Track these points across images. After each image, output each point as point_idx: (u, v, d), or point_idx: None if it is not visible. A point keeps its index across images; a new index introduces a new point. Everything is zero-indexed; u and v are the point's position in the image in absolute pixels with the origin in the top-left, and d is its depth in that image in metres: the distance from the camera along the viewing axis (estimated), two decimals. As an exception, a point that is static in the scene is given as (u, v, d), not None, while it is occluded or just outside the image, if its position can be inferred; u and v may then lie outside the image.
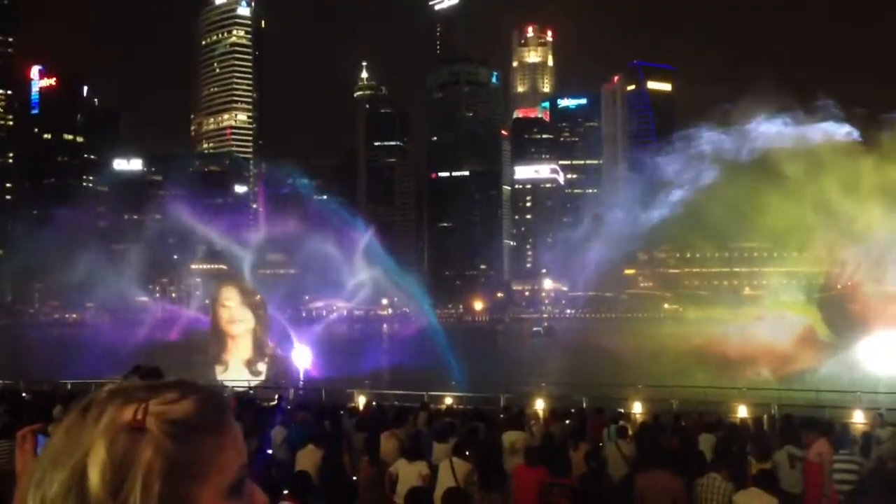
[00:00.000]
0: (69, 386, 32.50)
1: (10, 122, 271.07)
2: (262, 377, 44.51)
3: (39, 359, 50.19)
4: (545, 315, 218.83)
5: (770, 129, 55.98)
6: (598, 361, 55.50)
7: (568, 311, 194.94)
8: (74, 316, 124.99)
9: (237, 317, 45.25)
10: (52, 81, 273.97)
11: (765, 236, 57.18)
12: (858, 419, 24.42)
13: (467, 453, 12.31)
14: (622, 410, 23.42)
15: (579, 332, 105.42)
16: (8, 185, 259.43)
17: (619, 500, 10.73)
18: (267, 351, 46.83)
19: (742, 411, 26.19)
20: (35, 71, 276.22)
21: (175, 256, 73.73)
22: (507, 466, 13.55)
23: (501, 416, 20.92)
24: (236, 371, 43.79)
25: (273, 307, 58.57)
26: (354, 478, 12.94)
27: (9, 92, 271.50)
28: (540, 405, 26.92)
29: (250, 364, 44.92)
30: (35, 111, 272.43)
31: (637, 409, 26.83)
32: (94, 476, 1.21)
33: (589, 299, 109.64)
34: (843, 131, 54.17)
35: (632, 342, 63.90)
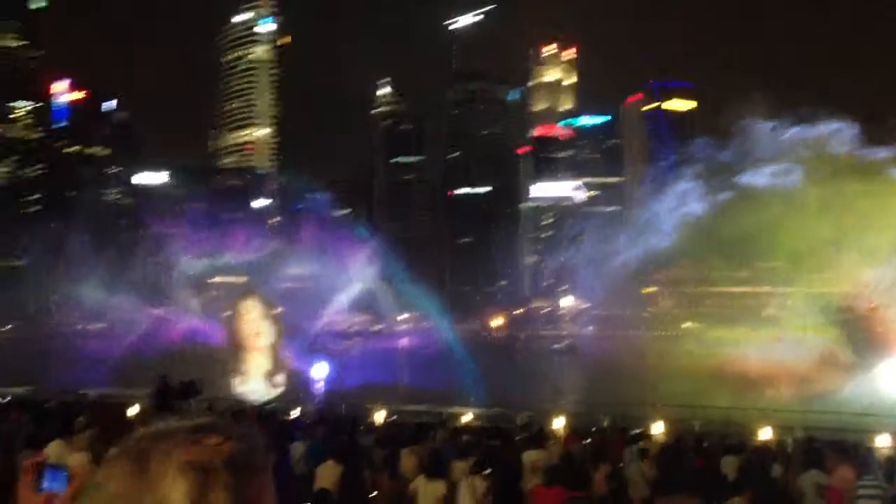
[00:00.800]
0: (90, 396, 32.73)
1: (36, 136, 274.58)
2: (281, 389, 44.68)
3: (61, 368, 50.55)
4: (564, 332, 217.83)
5: (790, 146, 55.73)
6: (618, 380, 55.19)
7: (587, 328, 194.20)
8: (95, 327, 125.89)
9: (258, 330, 45.46)
10: (79, 95, 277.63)
11: (785, 256, 56.67)
12: (882, 443, 24.08)
13: (486, 472, 12.27)
14: (642, 431, 23.20)
15: (600, 350, 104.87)
16: (33, 197, 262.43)
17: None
18: (286, 363, 47.03)
19: (765, 433, 25.89)
20: (62, 85, 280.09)
21: (196, 270, 74.20)
22: (526, 486, 13.49)
23: (517, 436, 20.79)
24: (254, 383, 44.01)
25: (291, 320, 58.81)
26: (373, 494, 12.92)
27: (36, 105, 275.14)
28: (559, 423, 26.75)
29: (269, 376, 45.10)
30: (61, 124, 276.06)
31: (658, 429, 26.58)
32: None
33: (608, 317, 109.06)
34: (866, 151, 53.82)
35: (652, 361, 63.47)
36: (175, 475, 1.33)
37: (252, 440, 1.46)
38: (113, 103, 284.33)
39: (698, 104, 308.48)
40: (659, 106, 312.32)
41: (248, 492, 1.37)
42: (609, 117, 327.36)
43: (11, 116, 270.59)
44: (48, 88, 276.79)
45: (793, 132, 57.54)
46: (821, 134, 56.09)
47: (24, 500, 2.06)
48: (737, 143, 59.65)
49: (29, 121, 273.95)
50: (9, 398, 27.69)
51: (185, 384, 22.90)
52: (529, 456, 14.96)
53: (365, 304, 72.26)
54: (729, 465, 15.26)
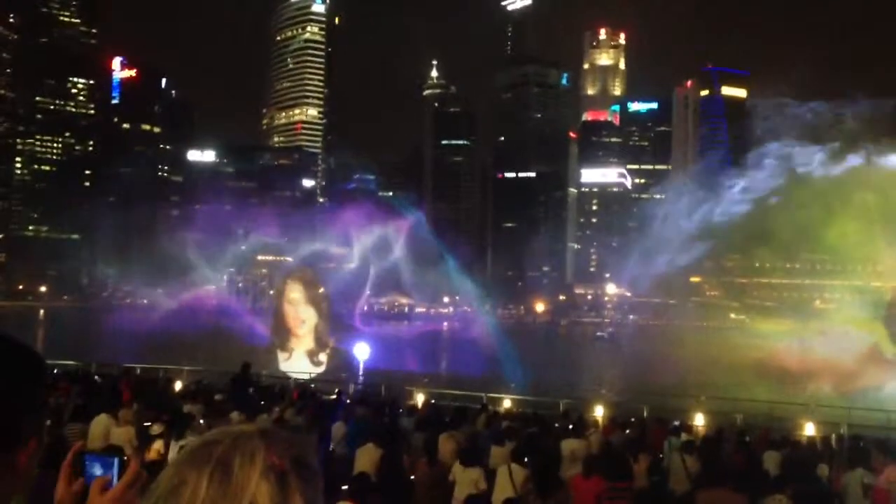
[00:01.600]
0: (138, 370, 33.41)
1: (91, 112, 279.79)
2: (323, 367, 45.67)
3: (110, 342, 51.68)
4: (607, 320, 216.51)
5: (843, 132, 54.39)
6: (660, 370, 54.69)
7: (630, 316, 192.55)
8: (146, 301, 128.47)
9: (301, 315, 46.67)
10: (133, 73, 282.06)
11: (834, 249, 55.42)
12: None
13: (525, 459, 12.24)
14: (680, 423, 22.94)
15: (643, 339, 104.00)
16: (87, 172, 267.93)
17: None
18: (328, 343, 47.89)
19: (809, 429, 25.47)
20: (116, 62, 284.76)
21: (243, 247, 75.12)
22: (565, 475, 13.43)
23: (556, 424, 20.73)
24: (298, 360, 45.19)
25: (335, 301, 59.22)
26: (412, 478, 12.99)
27: (91, 82, 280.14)
28: (599, 412, 26.63)
29: (312, 355, 46.18)
30: (115, 101, 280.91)
31: (699, 421, 26.30)
32: None
33: (653, 306, 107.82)
34: None
35: (696, 351, 62.74)
36: (259, 480, 1.38)
37: (308, 441, 1.57)
38: (163, 81, 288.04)
39: (751, 91, 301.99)
40: (717, 92, 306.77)
41: (313, 495, 1.44)
42: (656, 104, 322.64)
43: (67, 93, 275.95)
44: (104, 66, 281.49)
45: (845, 117, 56.10)
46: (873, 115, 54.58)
47: (62, 485, 2.03)
48: (788, 129, 58.40)
49: (83, 98, 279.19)
50: (57, 371, 28.35)
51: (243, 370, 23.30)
52: (569, 444, 14.89)
53: (409, 285, 72.48)
54: (771, 461, 15.02)
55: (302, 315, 46.70)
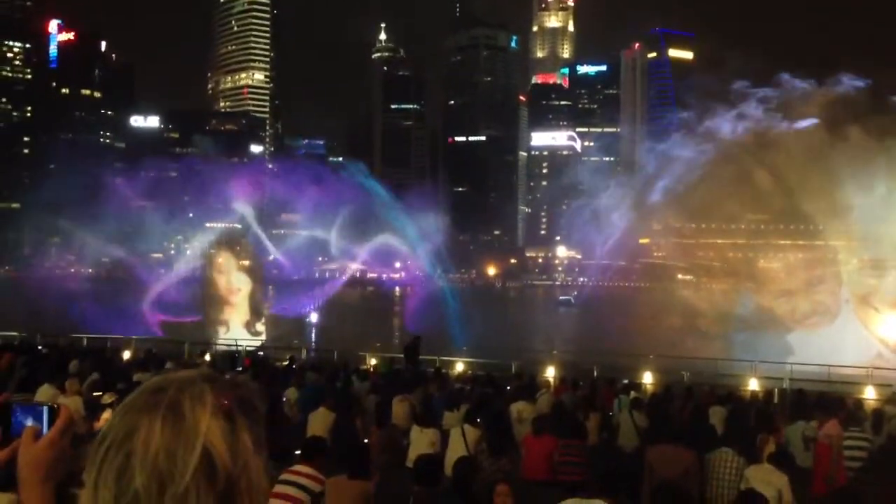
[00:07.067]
0: (84, 341, 32.84)
1: (28, 77, 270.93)
2: (262, 337, 44.76)
3: (53, 312, 50.53)
4: (558, 283, 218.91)
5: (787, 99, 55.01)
6: (610, 330, 55.57)
7: (581, 279, 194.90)
8: (89, 271, 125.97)
9: (234, 285, 45.14)
10: (71, 36, 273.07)
11: (776, 210, 56.53)
12: (870, 395, 24.40)
13: (478, 420, 12.38)
14: (629, 381, 23.40)
15: (594, 301, 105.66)
16: (25, 139, 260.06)
17: (632, 471, 10.75)
18: (263, 311, 47.00)
19: (753, 384, 26.20)
20: (53, 25, 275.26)
21: (190, 214, 73.81)
22: (517, 435, 13.63)
23: (508, 387, 20.98)
24: (235, 331, 43.79)
25: (286, 268, 58.67)
26: (366, 441, 13.05)
27: (27, 46, 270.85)
28: (551, 373, 26.99)
29: (248, 326, 45.03)
30: (53, 66, 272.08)
31: (648, 379, 26.86)
32: (221, 451, 1.42)
33: (602, 267, 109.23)
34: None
35: (644, 311, 63.84)
36: (210, 421, 1.43)
37: (251, 385, 1.62)
38: (103, 44, 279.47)
39: (697, 53, 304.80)
40: (664, 54, 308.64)
41: (259, 432, 1.50)
42: (605, 66, 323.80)
43: (2, 57, 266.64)
44: (45, 29, 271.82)
45: (793, 83, 56.75)
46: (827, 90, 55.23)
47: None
48: (732, 98, 58.98)
49: (19, 62, 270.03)
50: (0, 342, 27.73)
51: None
52: (517, 406, 15.11)
53: (361, 250, 72.19)
54: (716, 416, 15.41)
55: (234, 283, 45.33)
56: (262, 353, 34.68)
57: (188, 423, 1.41)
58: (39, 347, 27.20)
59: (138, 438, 1.40)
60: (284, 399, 16.41)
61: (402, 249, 76.43)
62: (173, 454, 1.38)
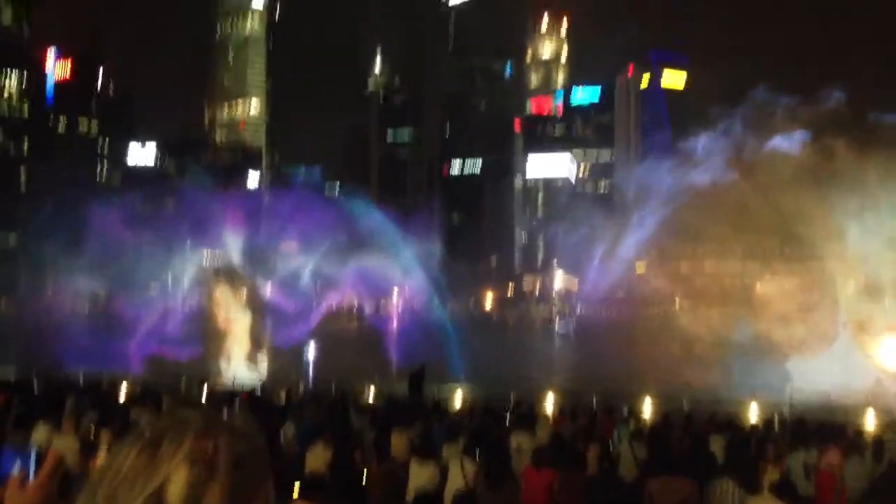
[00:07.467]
0: (80, 377, 32.64)
1: (26, 107, 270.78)
2: (264, 371, 44.54)
3: (50, 349, 50.17)
4: (557, 313, 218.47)
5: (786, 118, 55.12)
6: (608, 359, 55.39)
7: (578, 307, 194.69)
8: (86, 306, 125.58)
9: (233, 315, 45.09)
10: (68, 64, 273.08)
11: (777, 232, 56.49)
12: (870, 422, 24.32)
13: (477, 451, 12.31)
14: (630, 409, 23.30)
15: (591, 329, 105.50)
16: (21, 170, 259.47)
17: (632, 502, 10.69)
18: (264, 343, 46.85)
19: (753, 411, 26.11)
20: (51, 52, 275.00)
21: (187, 247, 73.48)
22: (516, 468, 13.54)
23: (507, 414, 20.89)
24: (236, 365, 43.57)
25: (284, 298, 58.46)
26: (365, 476, 12.95)
27: (24, 75, 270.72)
28: (550, 402, 26.90)
29: (251, 358, 44.91)
30: (50, 95, 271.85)
31: (647, 405, 26.74)
32: (175, 494, 1.46)
33: (600, 295, 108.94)
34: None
35: (641, 339, 63.70)
36: (180, 462, 1.50)
37: (256, 442, 1.63)
38: (100, 71, 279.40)
39: (691, 75, 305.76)
40: (656, 80, 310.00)
41: (243, 492, 1.52)
42: (599, 90, 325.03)
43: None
44: (42, 57, 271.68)
45: (789, 103, 56.80)
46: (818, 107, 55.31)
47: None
48: (731, 116, 59.09)
49: (14, 92, 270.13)
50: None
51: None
52: (516, 438, 15.04)
53: (359, 281, 72.09)
54: (716, 444, 15.34)
55: (233, 315, 45.27)
56: (259, 388, 34.48)
57: (158, 458, 1.50)
58: (35, 383, 27.01)
59: (115, 463, 1.52)
60: (282, 434, 16.32)
61: (399, 278, 76.41)
62: (132, 482, 1.47)
